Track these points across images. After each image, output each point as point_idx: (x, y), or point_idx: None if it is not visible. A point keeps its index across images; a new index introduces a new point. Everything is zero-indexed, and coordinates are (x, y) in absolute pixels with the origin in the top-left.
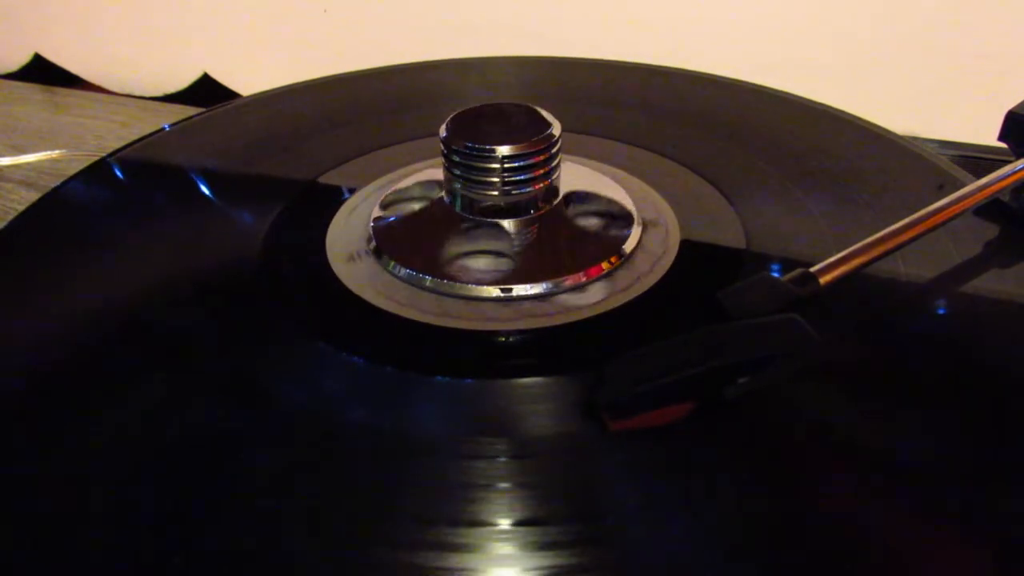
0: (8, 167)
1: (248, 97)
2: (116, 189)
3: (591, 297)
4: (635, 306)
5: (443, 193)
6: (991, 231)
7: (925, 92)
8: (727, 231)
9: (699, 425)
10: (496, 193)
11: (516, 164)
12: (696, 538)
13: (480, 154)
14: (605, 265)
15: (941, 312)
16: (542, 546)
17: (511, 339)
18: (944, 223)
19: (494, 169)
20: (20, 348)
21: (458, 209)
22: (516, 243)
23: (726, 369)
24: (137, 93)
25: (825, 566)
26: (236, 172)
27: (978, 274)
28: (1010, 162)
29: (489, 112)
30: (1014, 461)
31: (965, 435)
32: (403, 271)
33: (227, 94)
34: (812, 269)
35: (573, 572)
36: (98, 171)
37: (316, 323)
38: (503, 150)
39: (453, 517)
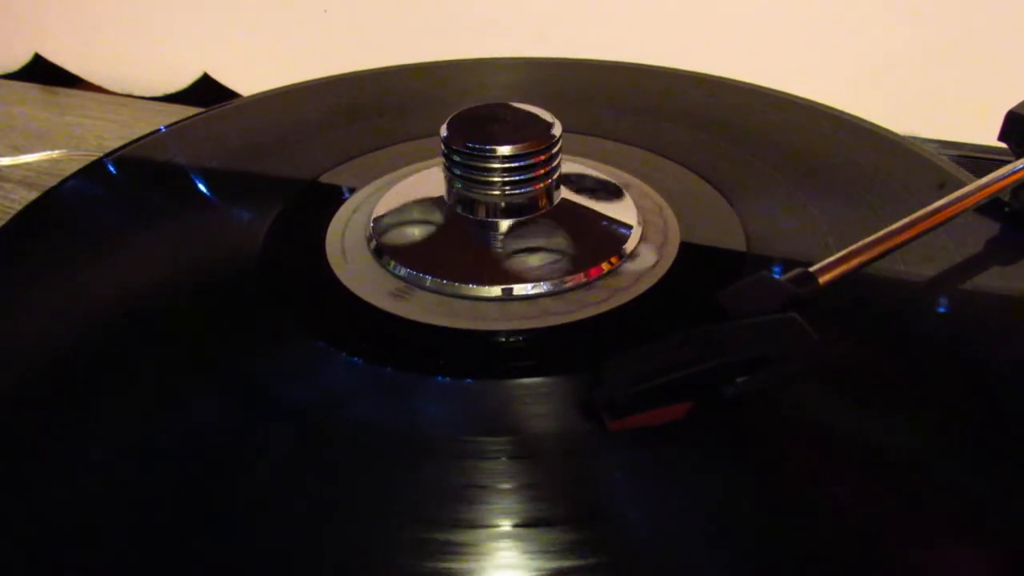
0: (8, 167)
1: (248, 97)
2: (115, 189)
3: (592, 297)
4: (635, 306)
5: (443, 193)
6: (991, 231)
7: (925, 92)
8: (727, 231)
9: (698, 425)
10: (496, 193)
11: (516, 164)
12: (696, 538)
13: (480, 154)
14: (605, 265)
15: (941, 311)
16: (542, 546)
17: (511, 339)
18: (944, 223)
19: (494, 169)
20: (19, 347)
21: (458, 209)
22: (516, 243)
23: (725, 368)
24: (137, 93)
25: (825, 565)
26: (236, 172)
27: (978, 273)
28: (1010, 162)
29: (489, 112)
30: (1014, 460)
31: (965, 434)
32: (403, 271)
33: (227, 94)
34: (811, 269)
35: (573, 572)
36: (97, 171)
37: (316, 323)
38: (503, 150)
39: (453, 518)
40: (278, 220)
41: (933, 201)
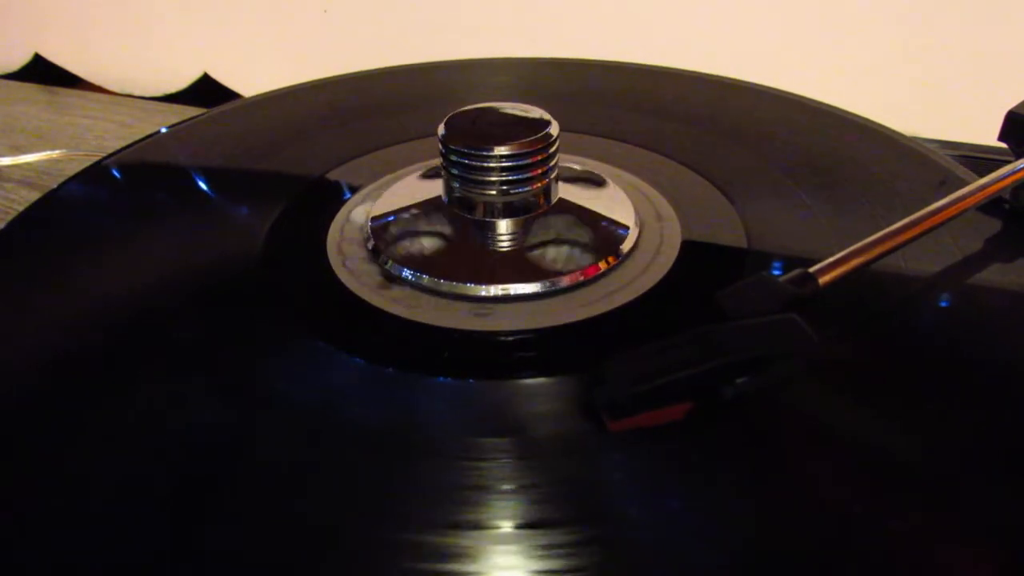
0: (8, 167)
1: (249, 98)
2: (117, 190)
3: (590, 297)
4: (635, 306)
5: (441, 193)
6: (992, 231)
7: (925, 92)
8: (727, 231)
9: (698, 425)
10: (494, 193)
11: (514, 164)
12: (695, 538)
13: (478, 154)
14: (603, 265)
15: (942, 312)
16: (542, 548)
17: (510, 339)
18: (945, 223)
19: (492, 169)
20: (20, 348)
21: (456, 209)
22: (514, 243)
23: (724, 369)
24: (137, 93)
25: (825, 566)
26: (236, 172)
27: (979, 274)
28: (1010, 162)
29: (487, 112)
30: (1016, 459)
31: (966, 435)
32: (402, 271)
33: (227, 94)
34: (811, 269)
35: (572, 573)
36: (98, 172)
37: (316, 323)
38: (501, 150)
39: (453, 519)
40: (279, 220)
41: (934, 200)
